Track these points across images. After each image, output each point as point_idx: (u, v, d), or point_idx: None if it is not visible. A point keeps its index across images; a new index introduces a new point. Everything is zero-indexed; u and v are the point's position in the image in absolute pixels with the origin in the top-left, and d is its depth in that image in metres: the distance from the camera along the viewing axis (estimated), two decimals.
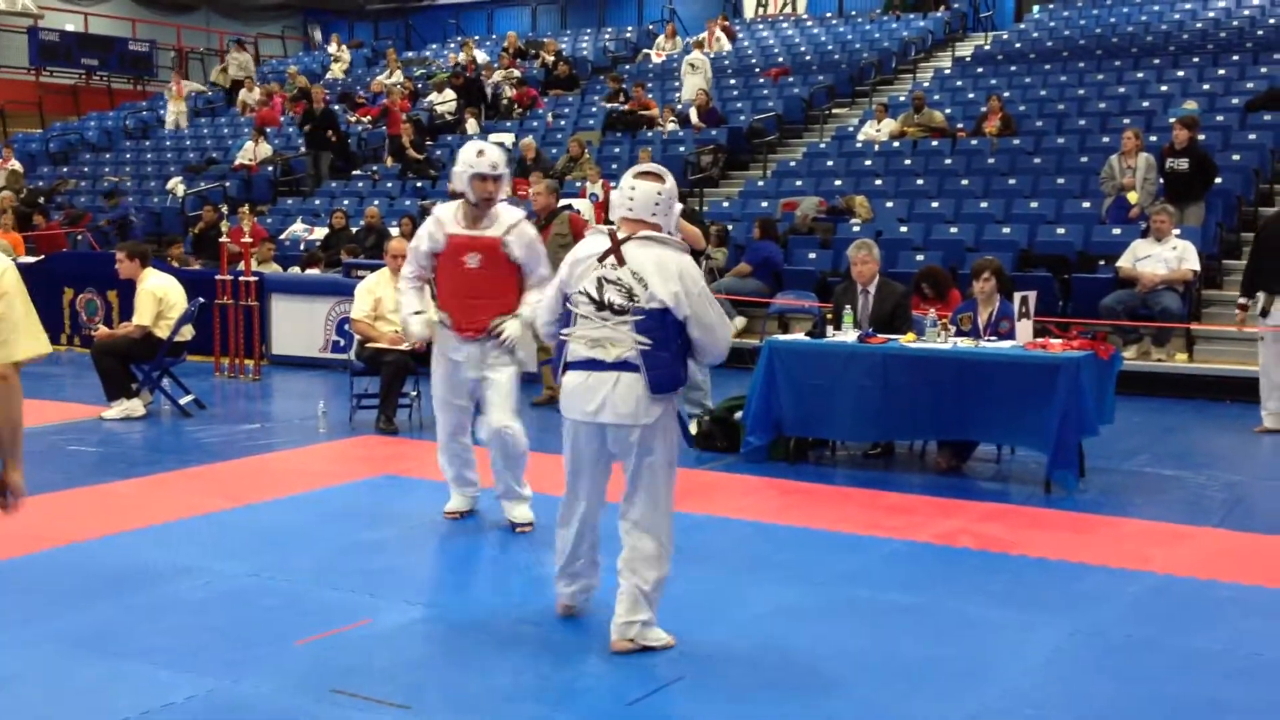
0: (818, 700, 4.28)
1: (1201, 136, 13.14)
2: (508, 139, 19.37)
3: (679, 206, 4.74)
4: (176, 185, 19.67)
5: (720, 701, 4.23)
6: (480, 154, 6.08)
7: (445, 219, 6.25)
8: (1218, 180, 12.82)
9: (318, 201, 18.69)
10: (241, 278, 11.83)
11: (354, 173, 19.76)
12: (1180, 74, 17.34)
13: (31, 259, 14.53)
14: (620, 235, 4.53)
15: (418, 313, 6.39)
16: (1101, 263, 12.13)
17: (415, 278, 6.41)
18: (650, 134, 18.51)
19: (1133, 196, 12.77)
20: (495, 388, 6.22)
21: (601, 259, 4.50)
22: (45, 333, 3.65)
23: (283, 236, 16.82)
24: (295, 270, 14.44)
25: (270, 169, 20.19)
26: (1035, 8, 24.32)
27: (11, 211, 16.81)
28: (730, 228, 14.46)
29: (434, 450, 6.69)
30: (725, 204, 16.19)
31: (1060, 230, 13.06)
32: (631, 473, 4.59)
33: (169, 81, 26.01)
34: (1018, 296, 7.86)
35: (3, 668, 4.43)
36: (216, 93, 25.42)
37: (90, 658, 4.56)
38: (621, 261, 4.47)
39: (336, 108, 21.37)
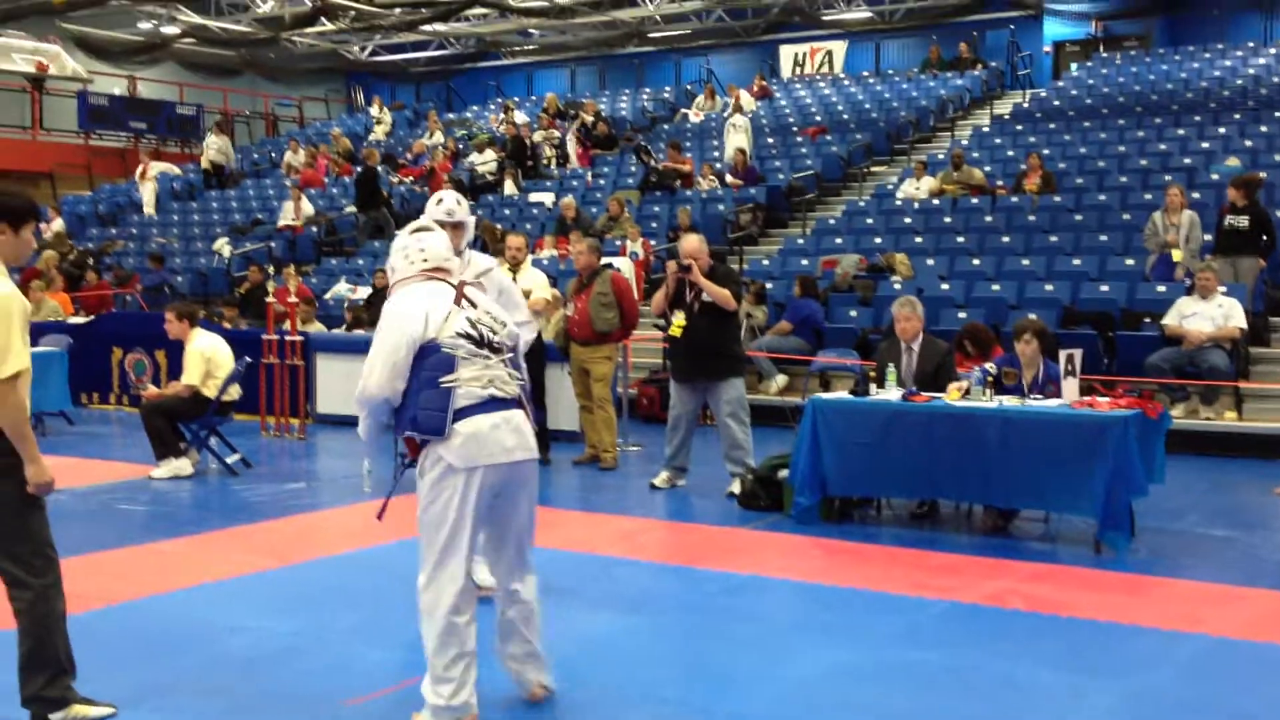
0: None
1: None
2: (548, 198, 19.58)
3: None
4: (223, 246, 19.98)
5: None
6: (438, 202, 5.87)
7: None
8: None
9: (361, 261, 18.91)
10: (287, 337, 11.96)
11: (396, 232, 19.97)
12: (1222, 130, 17.31)
13: (81, 319, 14.76)
14: (450, 281, 4.49)
15: None
16: (1146, 320, 12.06)
17: None
18: (689, 193, 18.63)
19: (1177, 254, 12.71)
20: None
21: (457, 302, 4.41)
22: (27, 350, 4.30)
23: (327, 296, 17.01)
24: (340, 330, 14.59)
25: (314, 229, 20.46)
26: (1073, 65, 24.39)
27: (58, 272, 17.10)
28: (770, 285, 14.50)
29: None
30: (765, 262, 16.24)
31: (1104, 287, 13.01)
32: (528, 516, 4.59)
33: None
34: (1063, 355, 7.82)
35: None
36: (196, 176, 25.12)
37: (140, 718, 4.58)
38: (473, 304, 4.45)
39: (379, 168, 21.66)
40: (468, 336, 4.33)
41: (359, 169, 21.01)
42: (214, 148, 24.98)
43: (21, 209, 4.47)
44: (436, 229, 4.65)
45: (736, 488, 8.80)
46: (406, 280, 4.50)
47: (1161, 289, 12.56)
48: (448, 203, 5.86)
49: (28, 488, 4.31)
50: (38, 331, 4.45)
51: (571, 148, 21.94)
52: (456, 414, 4.29)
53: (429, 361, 4.30)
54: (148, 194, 23.79)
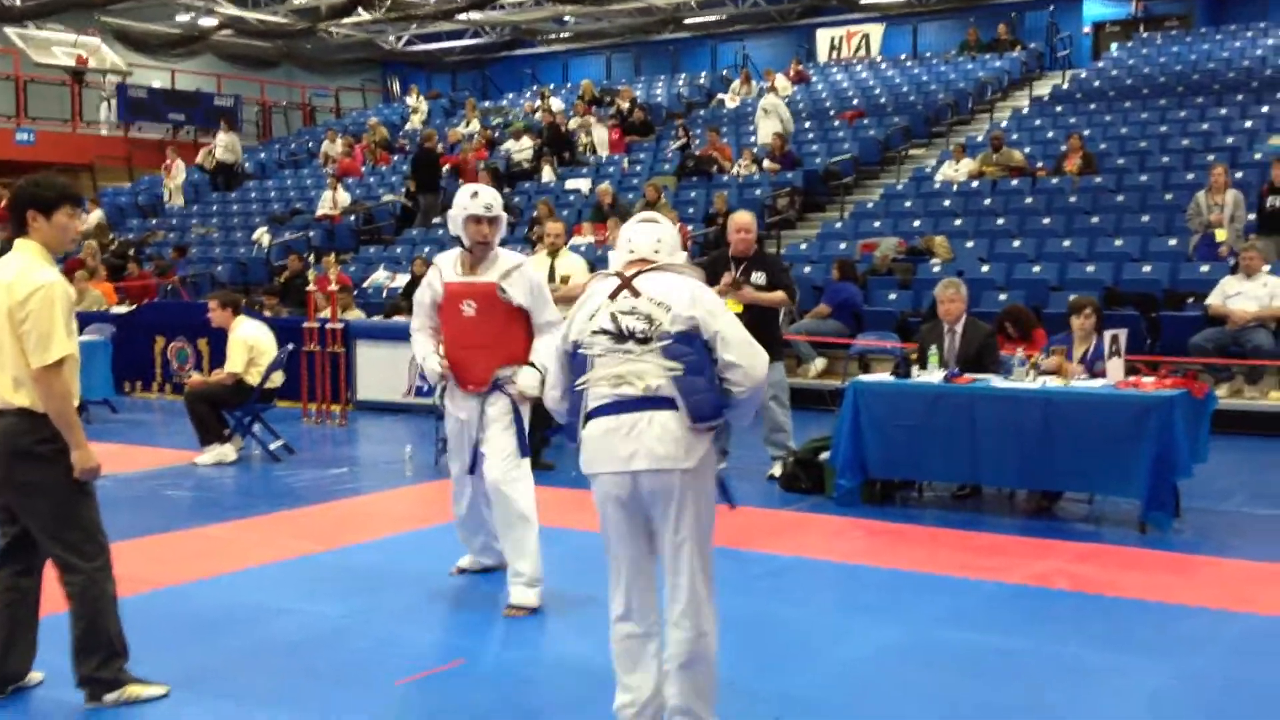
0: None
1: None
2: (584, 184, 19.58)
3: (682, 253, 4.20)
4: (262, 235, 20.11)
5: None
6: (474, 195, 5.72)
7: (444, 267, 5.89)
8: None
9: (399, 249, 18.98)
10: (328, 325, 12.04)
11: (434, 220, 20.05)
12: (1265, 110, 17.08)
13: (124, 309, 14.90)
14: (628, 274, 4.08)
15: (432, 353, 5.92)
16: (1190, 300, 11.94)
17: (426, 327, 5.99)
18: (725, 178, 18.59)
19: (1221, 234, 12.59)
20: (490, 439, 5.77)
21: (613, 297, 4.03)
22: (73, 338, 4.37)
23: (365, 284, 17.09)
24: (379, 318, 14.66)
25: (352, 218, 20.56)
26: (1113, 46, 24.12)
27: (100, 262, 17.26)
28: (808, 269, 14.45)
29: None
30: (803, 246, 16.18)
31: (1146, 268, 12.88)
32: (675, 534, 3.94)
33: (255, 135, 26.50)
34: (1107, 335, 7.76)
35: (106, 712, 4.50)
36: (203, 174, 24.76)
37: (192, 699, 4.62)
38: (636, 294, 4.01)
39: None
40: (605, 331, 3.99)
41: (415, 152, 21.06)
42: (222, 145, 24.62)
43: (51, 197, 4.47)
44: (660, 219, 4.21)
45: (777, 470, 8.79)
46: (597, 277, 4.20)
47: (1205, 269, 12.42)
48: (485, 196, 5.74)
49: (74, 473, 4.37)
50: (82, 321, 4.50)
51: (602, 134, 21.87)
52: (586, 417, 4.03)
53: (572, 364, 4.09)
54: (174, 188, 23.88)
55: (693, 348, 3.91)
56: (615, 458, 3.92)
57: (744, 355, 3.94)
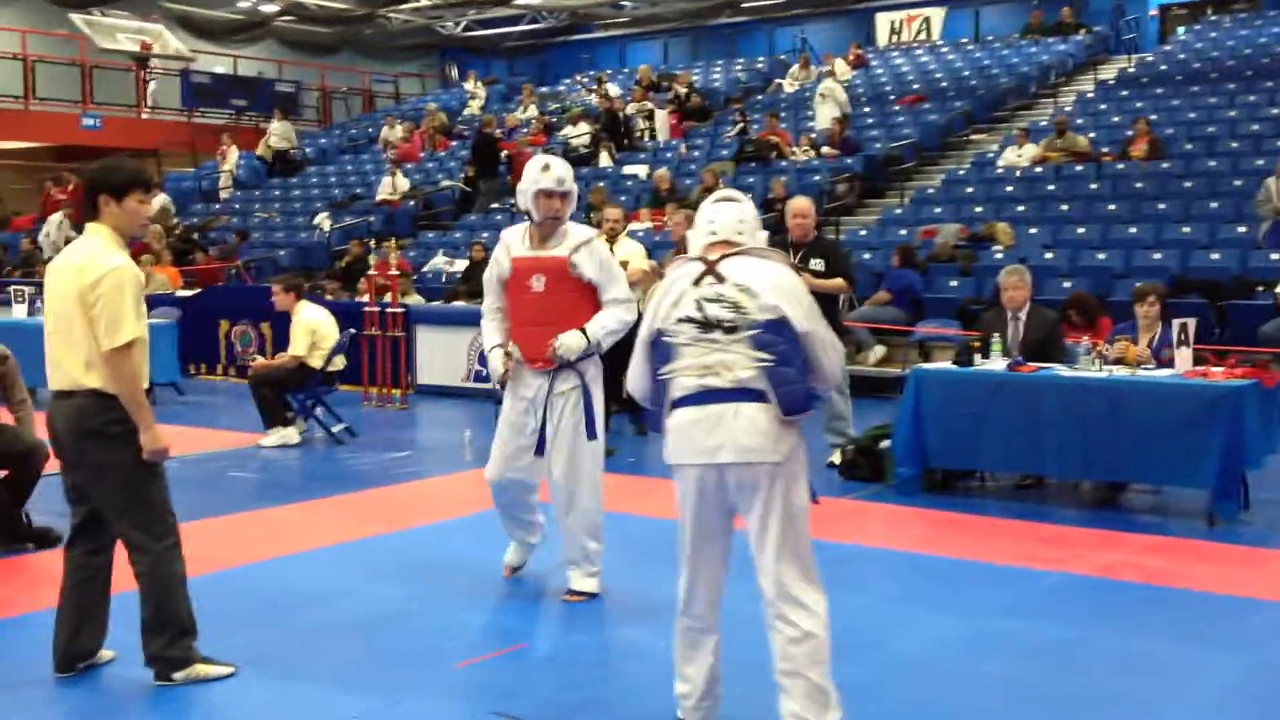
0: None
1: None
2: (642, 170, 19.55)
3: (763, 232, 4.12)
4: (323, 220, 20.29)
5: None
6: (545, 169, 5.54)
7: (511, 242, 5.71)
8: None
9: (458, 234, 19.08)
10: (388, 309, 12.12)
11: (492, 205, 20.11)
12: None
13: (189, 293, 15.09)
14: (711, 258, 3.97)
15: (498, 345, 5.74)
16: (1259, 289, 11.73)
17: (495, 309, 5.79)
18: (784, 164, 18.48)
19: None
20: (559, 420, 5.59)
21: (696, 283, 3.92)
22: (142, 321, 4.42)
23: (424, 269, 17.20)
24: (440, 302, 14.76)
25: (411, 203, 20.69)
26: (1180, 29, 23.69)
27: (164, 246, 17.47)
28: (868, 256, 14.35)
29: None
30: (863, 232, 16.06)
31: (1214, 255, 12.67)
32: (762, 529, 3.82)
33: (315, 120, 26.64)
34: (1176, 324, 7.63)
35: (175, 689, 4.56)
36: (260, 163, 24.84)
37: (257, 678, 4.68)
38: (721, 279, 3.89)
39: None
40: (690, 320, 3.86)
41: (475, 137, 21.15)
42: (276, 134, 24.76)
43: (123, 181, 4.49)
44: (740, 198, 4.14)
45: (837, 458, 8.73)
46: (679, 262, 4.07)
47: (1275, 256, 12.21)
48: (557, 169, 5.56)
49: (144, 455, 4.42)
50: (148, 305, 4.59)
51: (663, 119, 21.81)
52: (672, 405, 3.91)
53: (656, 353, 3.95)
54: (225, 177, 24.11)
55: (782, 337, 3.80)
56: (701, 449, 3.81)
57: (827, 355, 3.89)
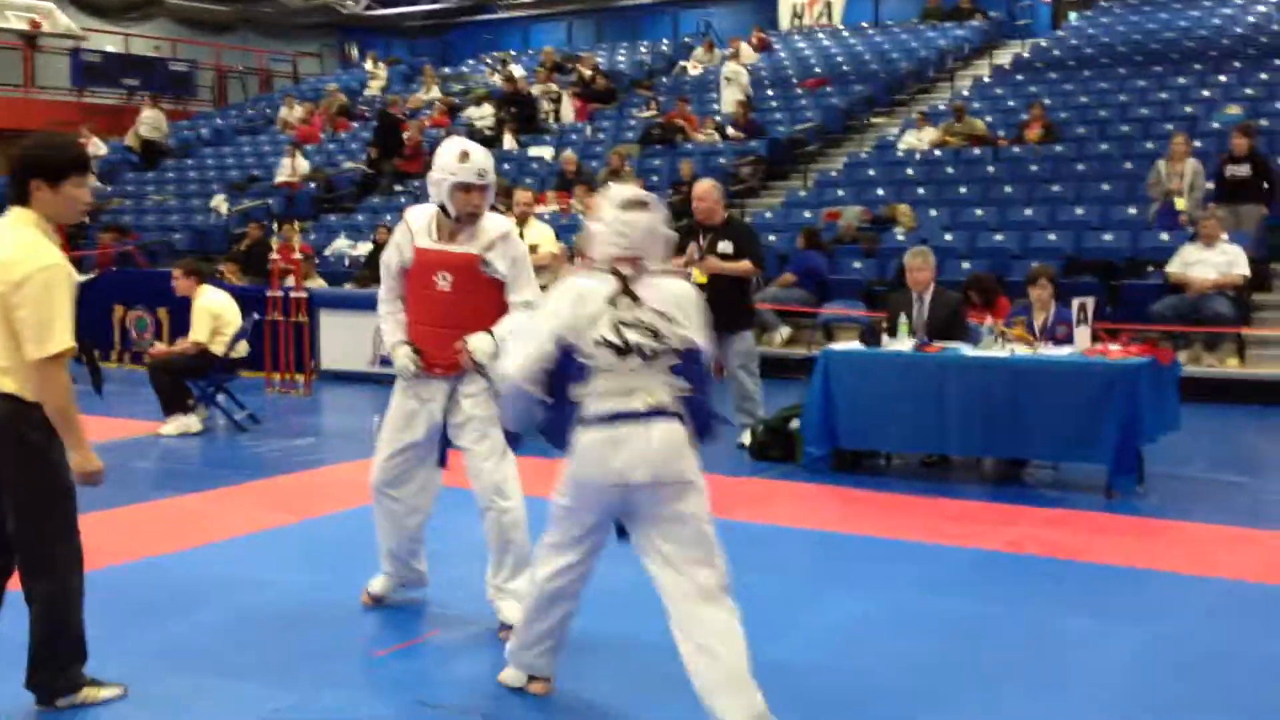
0: (904, 711, 4.26)
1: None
2: (547, 152, 19.47)
3: (672, 235, 4.03)
4: (220, 203, 19.87)
5: (795, 715, 4.18)
6: (464, 157, 4.86)
7: (416, 228, 5.05)
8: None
9: (360, 217, 18.82)
10: (292, 294, 11.92)
11: (396, 188, 19.87)
12: (1223, 79, 17.23)
13: (82, 277, 14.67)
14: (622, 272, 3.84)
15: (402, 342, 5.11)
16: (1150, 269, 12.08)
17: (394, 299, 5.16)
18: (690, 146, 18.54)
19: (1180, 203, 12.71)
20: (474, 432, 5.00)
21: (612, 301, 3.82)
22: (70, 333, 3.91)
23: (326, 252, 16.95)
24: (351, 285, 14.56)
25: (312, 185, 20.35)
26: (1072, 15, 24.20)
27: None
28: (772, 238, 14.46)
29: None
30: (767, 215, 16.18)
31: (1107, 236, 13.00)
32: (675, 546, 3.84)
33: (210, 100, 25.94)
34: (1075, 303, 7.83)
35: (64, 712, 4.25)
36: (129, 154, 23.76)
37: (170, 672, 4.57)
38: (636, 300, 3.80)
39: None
40: (609, 344, 3.78)
41: (378, 118, 20.85)
42: (147, 123, 23.65)
43: (63, 163, 4.05)
44: (651, 202, 3.91)
45: (747, 438, 8.81)
46: (587, 266, 3.94)
47: (1165, 237, 12.56)
48: (477, 159, 4.90)
49: (73, 476, 4.03)
50: None
51: (567, 103, 21.75)
52: (583, 424, 3.83)
53: (566, 365, 3.83)
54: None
55: (697, 364, 3.85)
56: (610, 470, 3.79)
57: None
